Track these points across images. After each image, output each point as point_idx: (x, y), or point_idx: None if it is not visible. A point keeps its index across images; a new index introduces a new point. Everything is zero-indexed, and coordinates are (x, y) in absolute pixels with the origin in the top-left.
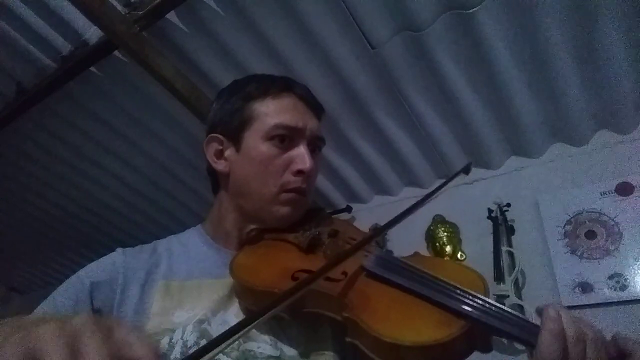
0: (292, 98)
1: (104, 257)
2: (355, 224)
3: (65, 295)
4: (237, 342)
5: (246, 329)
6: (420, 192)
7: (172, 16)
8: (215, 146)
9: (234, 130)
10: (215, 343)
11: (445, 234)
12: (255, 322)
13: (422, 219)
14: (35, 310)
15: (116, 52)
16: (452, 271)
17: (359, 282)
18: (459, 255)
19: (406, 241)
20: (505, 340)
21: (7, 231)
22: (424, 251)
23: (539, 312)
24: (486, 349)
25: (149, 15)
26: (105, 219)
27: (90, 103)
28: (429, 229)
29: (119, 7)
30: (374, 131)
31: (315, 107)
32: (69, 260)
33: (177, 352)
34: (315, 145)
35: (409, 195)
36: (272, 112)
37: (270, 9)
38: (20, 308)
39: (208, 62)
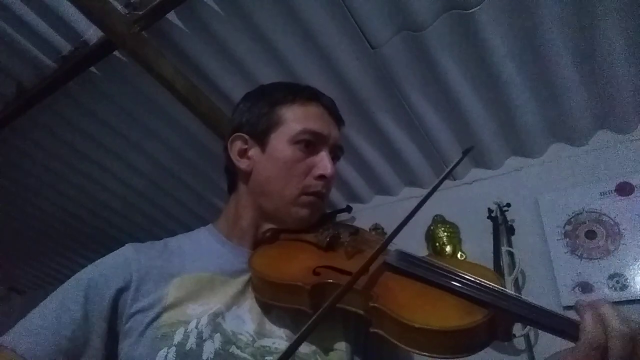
0: (318, 107)
1: (113, 253)
2: (356, 224)
3: (74, 296)
4: (251, 339)
5: (301, 334)
6: (420, 192)
7: (172, 16)
8: (239, 145)
9: (260, 131)
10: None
11: (445, 234)
12: (307, 327)
13: (422, 219)
14: (36, 311)
15: (116, 52)
16: (468, 267)
17: (383, 276)
18: (458, 255)
19: (406, 241)
20: (506, 344)
21: (7, 231)
22: (424, 251)
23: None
24: (507, 337)
25: (149, 15)
26: (105, 219)
27: (90, 103)
28: (429, 229)
29: (119, 7)
30: (374, 131)
31: (338, 118)
32: (68, 260)
33: (191, 342)
34: (335, 154)
35: (409, 195)
36: (299, 117)
37: (271, 9)
38: (20, 308)
39: (208, 62)
